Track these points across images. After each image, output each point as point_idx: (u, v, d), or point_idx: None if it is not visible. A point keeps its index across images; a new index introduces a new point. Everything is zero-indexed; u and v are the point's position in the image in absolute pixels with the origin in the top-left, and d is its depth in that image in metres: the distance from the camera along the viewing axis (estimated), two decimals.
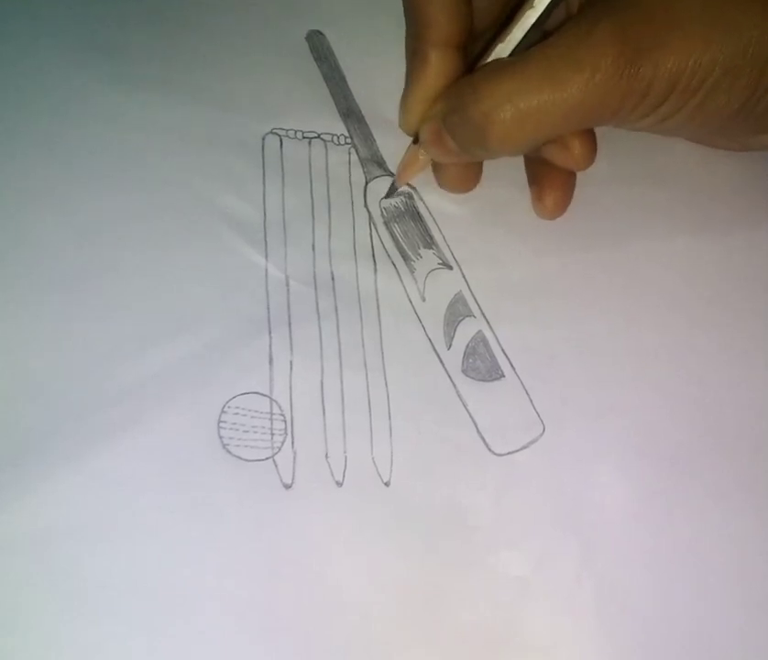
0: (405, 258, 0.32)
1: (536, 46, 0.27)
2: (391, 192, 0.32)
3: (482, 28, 0.31)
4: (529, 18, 0.28)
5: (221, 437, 0.28)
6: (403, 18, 0.33)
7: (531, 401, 0.30)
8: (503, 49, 0.28)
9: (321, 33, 0.35)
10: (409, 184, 0.33)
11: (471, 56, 0.30)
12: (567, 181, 0.32)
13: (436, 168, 0.32)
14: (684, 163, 0.34)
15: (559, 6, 0.28)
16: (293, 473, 0.28)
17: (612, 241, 0.33)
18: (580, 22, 0.26)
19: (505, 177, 0.33)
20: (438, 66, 0.29)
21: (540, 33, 0.28)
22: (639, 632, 0.27)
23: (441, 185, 0.32)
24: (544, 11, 0.27)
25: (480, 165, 0.32)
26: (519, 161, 0.33)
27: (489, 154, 0.30)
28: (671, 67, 0.26)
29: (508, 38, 0.28)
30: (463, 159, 0.30)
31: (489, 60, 0.28)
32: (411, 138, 0.31)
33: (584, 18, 0.26)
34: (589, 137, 0.30)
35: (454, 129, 0.28)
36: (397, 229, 0.32)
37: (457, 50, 0.29)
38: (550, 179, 0.32)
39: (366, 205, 0.32)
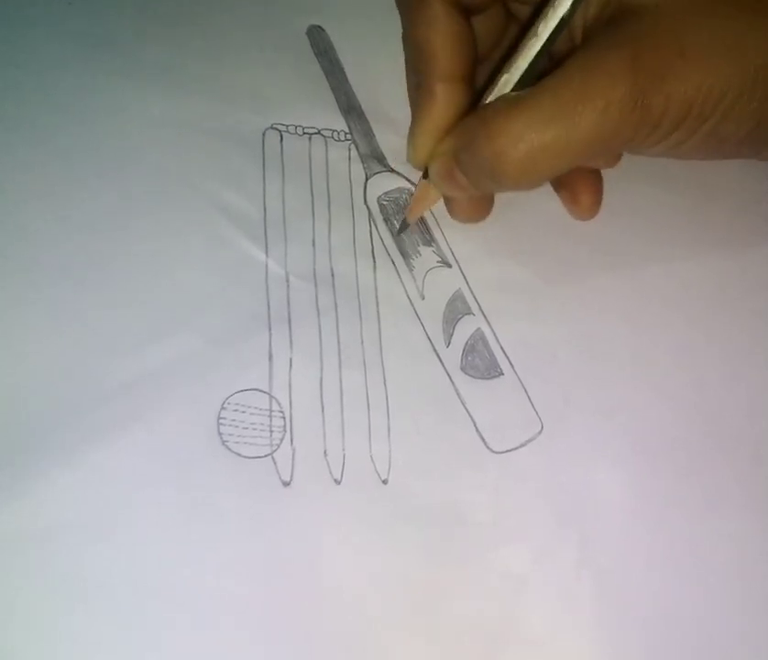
0: (404, 255, 0.32)
1: (546, 79, 0.26)
2: (403, 228, 0.32)
3: (484, 54, 0.31)
4: (533, 48, 0.27)
5: (220, 434, 0.28)
6: None
7: (529, 399, 0.30)
8: (508, 80, 0.27)
9: (321, 28, 0.35)
10: (409, 180, 0.33)
11: (476, 84, 0.30)
12: (597, 177, 0.31)
13: (448, 201, 0.31)
14: (684, 165, 0.34)
15: (563, 34, 0.27)
16: (292, 470, 0.28)
17: (612, 241, 0.33)
18: (589, 53, 0.26)
19: None
20: (445, 99, 0.28)
21: (545, 60, 0.27)
22: (637, 628, 0.27)
23: (453, 217, 0.32)
24: (548, 39, 0.27)
25: (492, 195, 0.32)
26: None
27: (503, 190, 0.29)
28: (683, 96, 0.25)
29: (513, 68, 0.27)
30: (475, 194, 0.30)
31: (495, 90, 0.27)
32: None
33: (593, 49, 0.26)
34: (597, 189, 0.30)
35: (466, 167, 0.28)
36: (396, 226, 0.32)
37: (463, 82, 0.29)
38: (581, 180, 0.31)
39: (365, 202, 0.32)
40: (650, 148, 0.27)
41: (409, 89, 0.32)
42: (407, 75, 0.31)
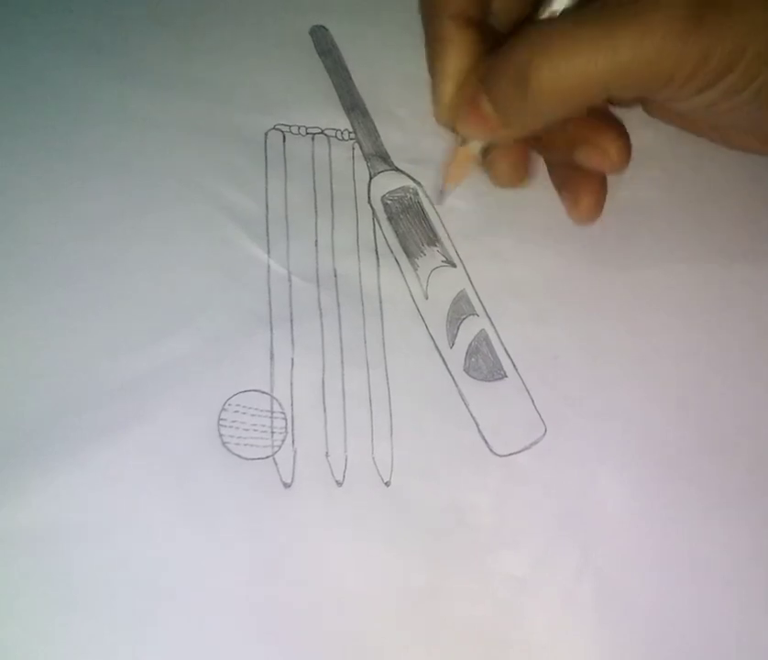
0: (408, 254, 0.32)
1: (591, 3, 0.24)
2: (441, 199, 0.31)
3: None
4: None
5: (221, 435, 0.28)
6: (407, 13, 0.33)
7: (533, 401, 0.30)
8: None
9: (325, 28, 0.35)
10: (413, 179, 0.33)
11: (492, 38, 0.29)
12: (601, 182, 0.31)
13: (489, 166, 0.31)
14: (687, 167, 0.34)
15: None
16: (293, 472, 0.28)
17: (616, 244, 0.32)
18: None
19: None
20: (460, 41, 0.28)
21: None
22: (638, 633, 0.27)
23: (494, 182, 0.31)
24: None
25: (527, 156, 0.31)
26: None
27: (531, 111, 0.27)
28: (742, 32, 0.24)
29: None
30: (503, 134, 0.28)
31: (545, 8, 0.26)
32: (414, 136, 0.31)
33: None
34: (625, 138, 0.29)
35: (492, 87, 0.27)
36: (400, 225, 0.32)
37: (476, 25, 0.28)
38: (584, 183, 0.31)
39: (369, 201, 0.32)
40: (690, 96, 0.26)
41: (427, 48, 0.31)
42: (426, 39, 0.30)
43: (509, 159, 0.30)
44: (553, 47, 0.25)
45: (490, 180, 0.31)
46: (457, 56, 0.28)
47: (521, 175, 0.31)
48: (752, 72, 0.25)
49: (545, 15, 0.27)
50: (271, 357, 0.29)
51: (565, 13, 0.26)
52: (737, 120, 0.27)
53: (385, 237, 0.32)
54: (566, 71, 0.25)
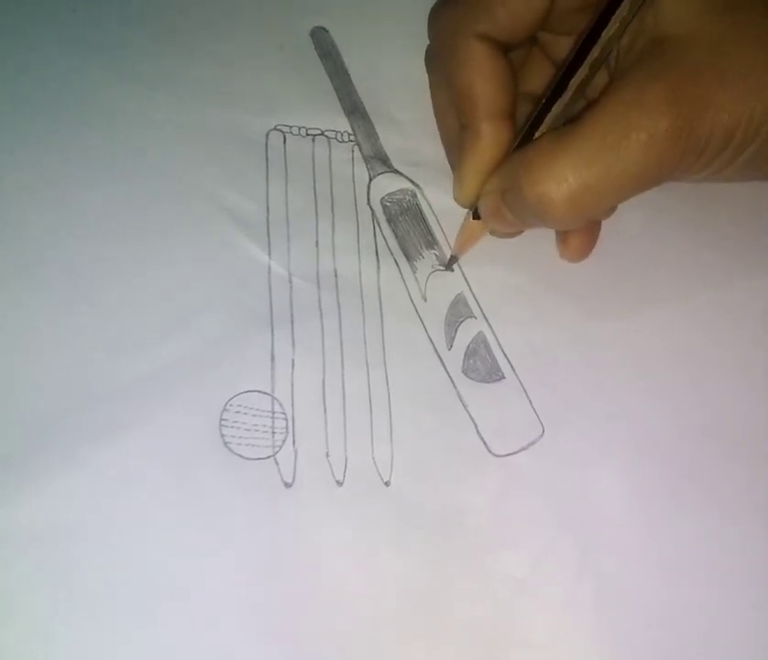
0: (408, 257, 0.32)
1: (585, 114, 0.26)
2: (452, 262, 0.32)
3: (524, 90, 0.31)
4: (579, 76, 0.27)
5: (222, 435, 0.28)
6: (407, 16, 0.33)
7: (530, 402, 0.30)
8: (558, 115, 0.27)
9: (325, 29, 0.35)
10: (412, 181, 0.33)
11: (518, 120, 0.30)
12: (593, 226, 0.31)
13: (560, 242, 0.31)
14: None
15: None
16: (294, 472, 0.28)
17: (615, 244, 0.32)
18: (627, 86, 0.26)
19: None
20: (490, 138, 0.28)
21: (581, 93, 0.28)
22: (638, 633, 0.27)
23: (564, 253, 0.31)
24: (591, 67, 0.27)
25: (599, 229, 0.31)
26: None
27: (551, 227, 0.29)
28: (726, 123, 0.25)
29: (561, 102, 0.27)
30: (524, 229, 0.30)
31: (547, 123, 0.27)
32: (413, 139, 0.31)
33: (630, 82, 0.26)
34: (591, 233, 0.30)
35: (512, 206, 0.28)
36: (399, 228, 0.32)
37: (507, 118, 0.29)
38: None
39: (369, 203, 0.32)
40: (693, 176, 0.27)
41: (441, 129, 0.32)
42: (439, 117, 0.32)
43: (582, 237, 0.31)
44: (562, 180, 0.25)
45: (561, 254, 0.31)
46: (488, 154, 0.29)
47: (591, 247, 0.31)
48: (739, 151, 0.26)
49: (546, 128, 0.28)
50: (272, 359, 0.29)
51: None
52: (731, 177, 0.28)
53: (385, 239, 0.32)
54: (577, 200, 0.26)
